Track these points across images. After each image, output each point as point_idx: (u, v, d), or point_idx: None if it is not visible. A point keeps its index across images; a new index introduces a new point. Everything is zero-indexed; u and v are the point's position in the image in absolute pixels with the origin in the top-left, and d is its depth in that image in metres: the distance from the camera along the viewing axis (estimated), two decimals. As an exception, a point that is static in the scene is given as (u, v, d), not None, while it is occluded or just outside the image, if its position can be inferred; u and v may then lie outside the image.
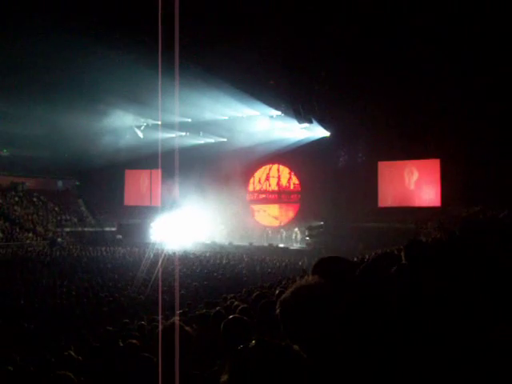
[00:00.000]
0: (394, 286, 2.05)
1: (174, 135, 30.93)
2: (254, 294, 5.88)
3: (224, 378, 0.90)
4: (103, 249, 24.42)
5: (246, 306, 4.26)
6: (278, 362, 0.89)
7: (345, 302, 1.36)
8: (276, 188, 31.90)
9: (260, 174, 32.31)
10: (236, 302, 5.59)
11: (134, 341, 3.97)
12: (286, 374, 0.88)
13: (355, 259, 12.05)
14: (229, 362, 0.91)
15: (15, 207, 31.23)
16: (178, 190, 29.83)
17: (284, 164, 31.37)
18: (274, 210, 31.67)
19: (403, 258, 2.57)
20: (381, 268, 2.49)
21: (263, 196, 32.25)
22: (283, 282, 9.65)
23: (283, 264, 19.24)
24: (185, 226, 27.86)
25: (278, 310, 1.30)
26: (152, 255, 19.25)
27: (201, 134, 31.05)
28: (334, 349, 1.24)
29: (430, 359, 1.48)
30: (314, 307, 1.26)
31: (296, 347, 0.94)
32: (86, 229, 32.65)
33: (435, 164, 26.36)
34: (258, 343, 0.93)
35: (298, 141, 28.36)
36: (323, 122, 26.74)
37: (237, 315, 3.15)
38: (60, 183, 38.07)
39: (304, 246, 25.81)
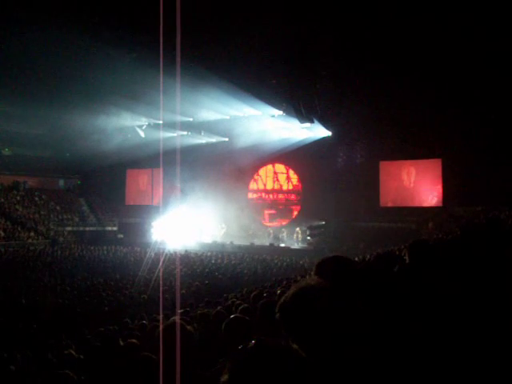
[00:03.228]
0: (397, 286, 2.04)
1: (175, 135, 30.95)
2: (253, 294, 5.87)
3: (224, 377, 0.90)
4: (104, 248, 24.45)
5: (246, 305, 4.26)
6: (276, 362, 0.88)
7: (347, 303, 1.36)
8: (277, 188, 31.90)
9: (261, 173, 32.31)
10: (237, 302, 5.59)
11: (135, 340, 3.97)
12: (285, 374, 0.88)
13: (356, 259, 12.05)
14: (228, 362, 0.91)
15: (17, 206, 31.28)
16: (179, 189, 29.85)
17: (285, 164, 31.37)
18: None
19: (407, 257, 2.56)
20: (383, 268, 2.48)
21: (264, 195, 32.26)
22: (284, 282, 9.65)
23: (284, 264, 19.23)
24: (186, 225, 27.88)
25: (277, 314, 1.30)
26: (153, 255, 19.27)
27: (202, 133, 31.05)
28: (334, 349, 1.24)
29: (432, 360, 1.48)
30: (315, 310, 1.25)
31: (295, 347, 0.94)
32: (87, 228, 32.69)
33: (437, 164, 26.33)
34: (257, 343, 0.93)
35: (300, 140, 28.33)
36: (325, 122, 26.72)
37: (238, 315, 3.15)
38: (62, 182, 38.13)
39: (305, 245, 25.81)
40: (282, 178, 31.77)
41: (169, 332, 2.21)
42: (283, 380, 0.87)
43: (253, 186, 32.46)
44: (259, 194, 32.37)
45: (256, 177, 32.40)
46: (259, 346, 0.91)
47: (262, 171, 32.20)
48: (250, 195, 32.27)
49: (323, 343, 1.22)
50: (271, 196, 32.06)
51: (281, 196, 31.89)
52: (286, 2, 16.48)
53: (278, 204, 31.68)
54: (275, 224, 30.57)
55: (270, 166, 31.88)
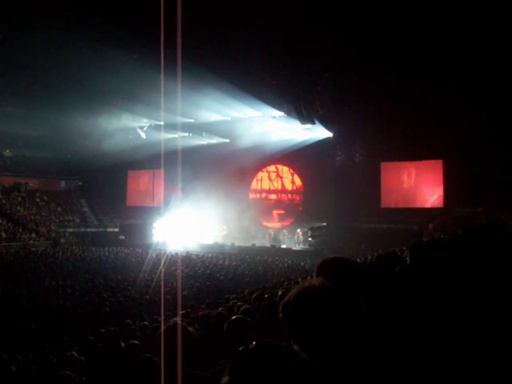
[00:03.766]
0: (398, 286, 2.04)
1: (176, 136, 30.97)
2: (254, 295, 5.87)
3: (225, 379, 0.90)
4: (106, 249, 24.46)
5: (248, 306, 4.26)
6: (277, 363, 0.88)
7: (349, 304, 1.36)
8: (279, 189, 31.85)
9: (262, 174, 32.26)
10: (238, 303, 5.59)
11: (136, 341, 3.97)
12: (286, 375, 0.87)
13: (358, 260, 12.04)
14: (229, 363, 0.91)
15: (18, 207, 31.32)
16: (180, 190, 29.86)
17: (287, 165, 31.33)
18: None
19: (408, 258, 2.55)
20: (384, 269, 2.48)
21: (266, 197, 32.21)
22: (285, 283, 9.63)
23: (285, 265, 19.23)
24: (187, 226, 27.87)
25: (280, 314, 1.29)
26: (154, 256, 19.27)
27: (203, 134, 31.08)
28: (336, 350, 1.23)
29: (433, 361, 1.48)
30: (318, 310, 1.25)
31: (296, 348, 0.94)
32: (88, 229, 32.71)
33: (438, 165, 26.32)
34: (257, 344, 0.92)
35: (301, 142, 28.34)
36: (326, 123, 26.71)
37: (239, 316, 3.15)
38: (63, 183, 38.19)
39: (306, 246, 25.78)
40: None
41: (170, 333, 2.20)
42: (284, 381, 0.86)
43: (254, 187, 32.29)
44: (269, 194, 32.00)
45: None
46: (260, 347, 0.91)
47: (261, 173, 32.04)
48: (254, 195, 32.06)
49: (325, 343, 1.22)
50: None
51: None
52: (287, 2, 16.48)
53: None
54: (278, 224, 30.50)
55: (266, 169, 31.79)
